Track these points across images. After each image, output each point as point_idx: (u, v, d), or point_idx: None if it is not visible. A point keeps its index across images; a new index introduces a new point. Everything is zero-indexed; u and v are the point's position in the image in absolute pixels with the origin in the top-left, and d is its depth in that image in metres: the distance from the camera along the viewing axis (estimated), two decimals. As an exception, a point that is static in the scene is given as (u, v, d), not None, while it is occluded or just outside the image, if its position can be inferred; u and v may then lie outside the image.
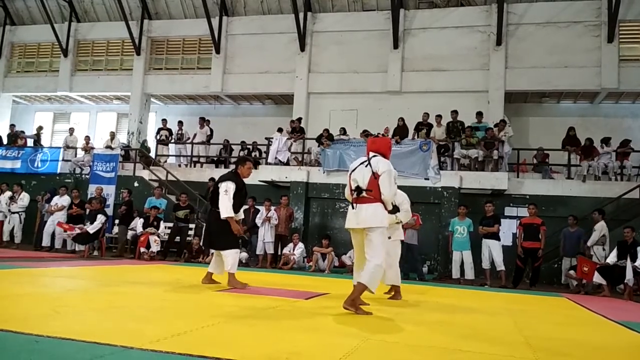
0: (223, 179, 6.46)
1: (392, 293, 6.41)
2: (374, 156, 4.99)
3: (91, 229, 11.73)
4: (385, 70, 15.65)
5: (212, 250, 7.04)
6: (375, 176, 4.82)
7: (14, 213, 13.04)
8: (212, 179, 13.73)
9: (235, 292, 6.12)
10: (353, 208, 4.90)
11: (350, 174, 5.05)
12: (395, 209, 5.94)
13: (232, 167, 15.71)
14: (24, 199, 13.15)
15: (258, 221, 11.96)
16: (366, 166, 4.92)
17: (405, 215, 6.52)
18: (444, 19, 15.49)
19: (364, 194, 4.84)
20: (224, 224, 6.26)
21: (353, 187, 4.93)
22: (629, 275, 8.73)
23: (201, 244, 12.11)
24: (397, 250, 6.54)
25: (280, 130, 14.85)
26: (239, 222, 6.57)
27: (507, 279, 10.54)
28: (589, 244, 10.39)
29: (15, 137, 17.02)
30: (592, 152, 13.15)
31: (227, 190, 6.25)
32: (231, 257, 6.38)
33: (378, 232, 4.77)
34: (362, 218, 4.82)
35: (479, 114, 13.85)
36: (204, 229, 7.39)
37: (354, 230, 5.00)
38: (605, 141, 13.32)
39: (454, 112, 13.77)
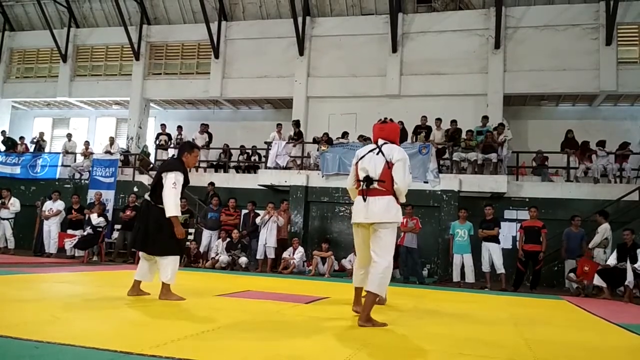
0: (169, 168, 5.41)
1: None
2: (385, 143, 4.50)
3: (95, 220, 11.82)
4: (384, 74, 15.68)
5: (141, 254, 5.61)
6: (389, 165, 4.34)
7: (4, 219, 12.88)
8: (211, 184, 13.76)
9: (235, 296, 6.10)
10: (364, 200, 4.38)
11: (357, 162, 4.56)
12: None
13: (232, 170, 16.00)
14: (15, 204, 13.02)
15: (258, 221, 11.91)
16: (377, 154, 4.44)
17: None
18: (442, 22, 15.52)
19: (375, 184, 4.35)
20: (166, 223, 5.28)
21: (362, 177, 4.44)
22: (629, 277, 8.72)
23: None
24: None
25: (279, 125, 14.89)
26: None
27: (507, 282, 10.53)
28: (590, 245, 10.36)
29: (10, 143, 16.97)
30: (588, 152, 13.13)
31: (175, 183, 5.25)
32: (171, 265, 5.36)
33: (389, 228, 4.32)
34: (373, 212, 4.32)
35: (485, 118, 13.85)
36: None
37: (360, 225, 4.51)
38: (601, 144, 13.32)
39: (453, 122, 13.79)
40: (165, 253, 5.34)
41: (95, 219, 11.96)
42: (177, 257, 5.49)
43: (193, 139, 15.85)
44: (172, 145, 16.46)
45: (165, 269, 5.34)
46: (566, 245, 10.87)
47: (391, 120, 4.72)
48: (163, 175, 5.34)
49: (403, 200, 4.47)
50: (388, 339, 3.84)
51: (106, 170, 14.62)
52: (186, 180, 5.46)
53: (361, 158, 4.53)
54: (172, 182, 5.23)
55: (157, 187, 5.39)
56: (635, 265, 8.72)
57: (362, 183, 4.42)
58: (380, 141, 4.53)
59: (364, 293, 4.49)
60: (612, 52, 14.32)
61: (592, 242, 10.35)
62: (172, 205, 5.21)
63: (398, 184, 4.33)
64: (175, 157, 5.82)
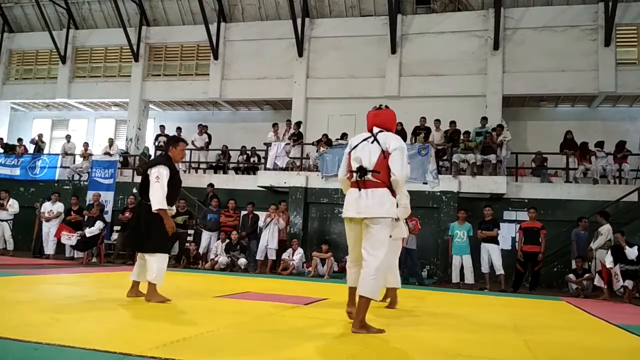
0: (153, 163, 5.41)
1: (388, 300, 5.98)
2: (380, 131, 4.19)
3: (88, 232, 11.75)
4: (383, 75, 15.68)
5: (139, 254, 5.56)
6: (384, 155, 4.01)
7: (3, 221, 12.82)
8: (210, 185, 13.76)
9: (234, 298, 6.10)
10: (357, 192, 4.05)
11: (350, 152, 4.22)
12: None
13: (231, 171, 15.98)
14: (14, 205, 12.97)
15: (261, 224, 11.96)
16: (372, 143, 4.11)
17: (403, 212, 6.00)
18: (441, 23, 15.54)
19: (369, 175, 4.01)
20: (155, 220, 5.21)
21: (355, 168, 4.10)
22: (620, 277, 8.83)
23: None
24: (398, 250, 6.12)
25: (275, 125, 14.87)
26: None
27: (506, 283, 10.54)
28: (594, 247, 10.37)
29: (8, 149, 16.91)
30: (587, 153, 13.15)
31: (158, 177, 5.16)
32: (158, 263, 5.22)
33: (382, 224, 3.96)
34: (365, 206, 3.98)
35: (484, 119, 13.86)
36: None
37: (353, 221, 4.15)
38: (600, 145, 13.34)
39: (452, 123, 13.80)
40: (152, 250, 5.26)
41: (91, 231, 11.85)
42: (165, 256, 5.36)
43: (192, 141, 15.88)
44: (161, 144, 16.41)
45: (151, 266, 5.24)
46: (576, 246, 10.90)
47: (386, 107, 4.43)
48: (148, 172, 5.32)
49: (400, 192, 4.21)
50: (387, 341, 3.83)
51: (105, 171, 14.61)
52: (174, 174, 5.37)
53: (354, 147, 4.20)
54: (155, 177, 5.18)
55: (145, 185, 5.37)
56: (633, 258, 8.84)
57: (355, 174, 4.09)
58: (375, 129, 4.23)
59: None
60: (611, 53, 14.34)
61: (595, 243, 10.34)
62: (156, 199, 5.14)
63: (396, 175, 3.99)
64: (163, 153, 5.75)
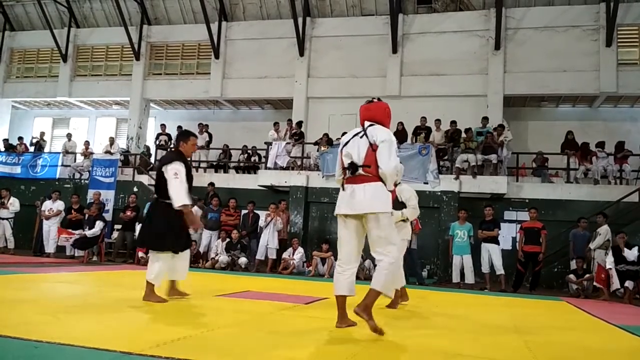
0: (167, 160, 5.21)
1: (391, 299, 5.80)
2: (371, 125, 4.08)
3: (90, 233, 11.77)
4: (384, 75, 15.68)
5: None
6: (373, 148, 3.94)
7: (3, 219, 12.84)
8: (211, 184, 13.75)
9: (234, 297, 6.10)
10: (343, 189, 4.09)
11: (342, 149, 4.18)
12: (401, 205, 5.63)
13: (232, 170, 15.98)
14: (15, 204, 12.98)
15: (262, 224, 11.99)
16: (361, 137, 4.04)
17: (412, 212, 6.01)
18: (442, 23, 15.53)
19: (360, 171, 3.96)
20: (171, 217, 5.09)
21: (346, 164, 4.07)
22: (615, 279, 8.84)
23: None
24: (403, 249, 5.92)
25: (276, 124, 14.88)
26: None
27: (506, 283, 10.54)
28: (592, 246, 10.38)
29: (10, 148, 16.91)
30: (588, 153, 13.15)
31: (177, 173, 5.03)
32: (158, 262, 5.11)
33: (382, 221, 3.91)
34: (358, 201, 3.94)
35: (485, 119, 13.86)
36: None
37: (347, 218, 4.15)
38: (601, 145, 13.34)
39: (453, 123, 13.78)
40: (154, 248, 5.19)
41: (93, 232, 11.85)
42: (171, 255, 5.21)
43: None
44: (172, 146, 16.44)
45: (152, 266, 5.14)
46: (573, 246, 10.91)
47: (378, 99, 4.35)
48: (163, 169, 5.18)
49: (391, 187, 4.09)
50: (388, 340, 3.83)
51: (106, 170, 14.62)
52: (188, 170, 5.24)
53: (346, 144, 4.15)
54: (173, 173, 5.05)
55: (160, 183, 5.22)
56: (633, 259, 8.84)
57: (346, 170, 4.05)
58: (367, 123, 4.12)
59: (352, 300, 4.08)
60: (612, 53, 14.32)
61: (594, 243, 10.35)
62: (178, 195, 4.99)
63: (382, 168, 3.90)
64: (172, 149, 5.63)
